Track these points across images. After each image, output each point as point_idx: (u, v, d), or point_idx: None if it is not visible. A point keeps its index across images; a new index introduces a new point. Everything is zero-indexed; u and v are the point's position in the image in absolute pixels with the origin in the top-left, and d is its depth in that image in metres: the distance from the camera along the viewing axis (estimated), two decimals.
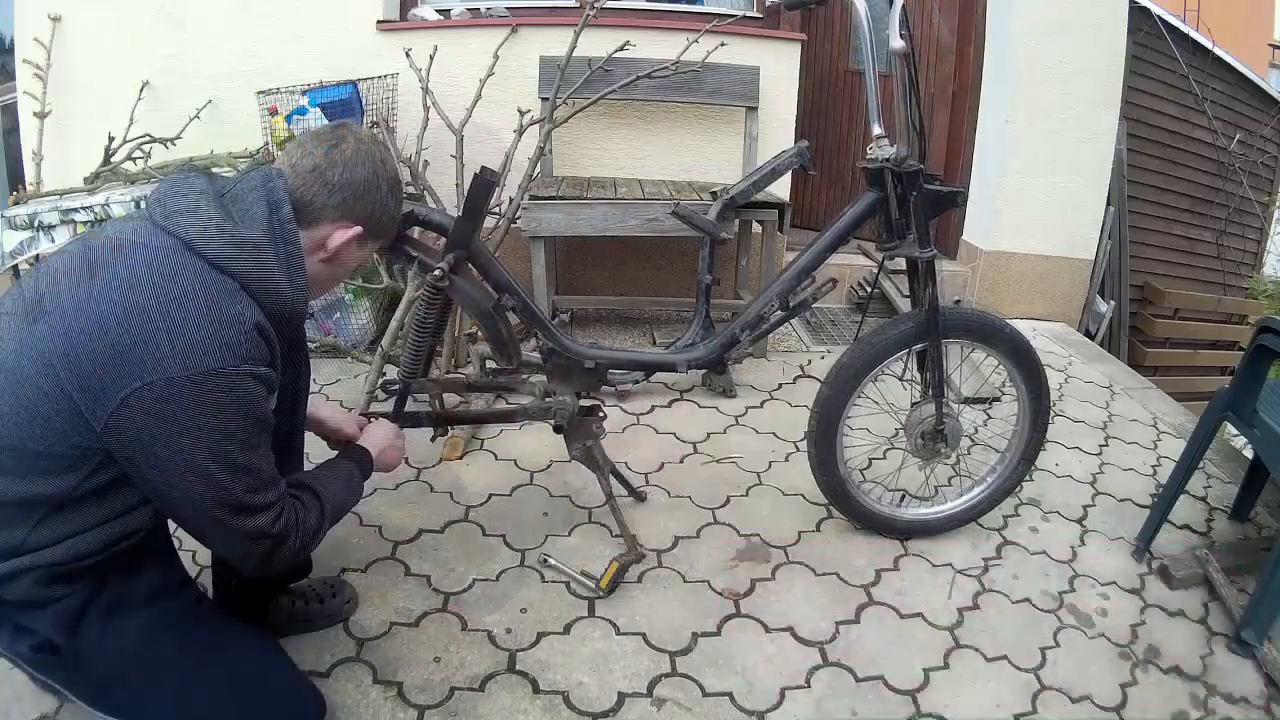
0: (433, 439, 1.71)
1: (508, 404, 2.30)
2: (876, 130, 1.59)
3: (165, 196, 1.02)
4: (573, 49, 2.58)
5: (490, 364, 1.69)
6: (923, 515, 1.93)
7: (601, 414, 1.72)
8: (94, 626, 1.05)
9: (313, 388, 1.69)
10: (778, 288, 1.71)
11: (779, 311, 1.72)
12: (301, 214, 1.06)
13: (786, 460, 2.23)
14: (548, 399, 1.70)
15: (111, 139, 2.76)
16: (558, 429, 1.71)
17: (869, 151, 1.60)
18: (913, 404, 1.82)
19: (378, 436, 1.40)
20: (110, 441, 0.95)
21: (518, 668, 1.47)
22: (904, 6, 1.49)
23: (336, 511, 1.20)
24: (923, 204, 1.60)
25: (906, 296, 1.80)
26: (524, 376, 1.72)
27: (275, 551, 1.06)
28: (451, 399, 2.27)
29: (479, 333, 1.71)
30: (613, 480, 1.81)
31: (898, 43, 1.49)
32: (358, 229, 1.09)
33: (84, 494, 0.99)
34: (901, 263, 1.70)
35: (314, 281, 1.11)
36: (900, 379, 1.78)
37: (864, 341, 1.71)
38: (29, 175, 2.83)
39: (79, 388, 0.92)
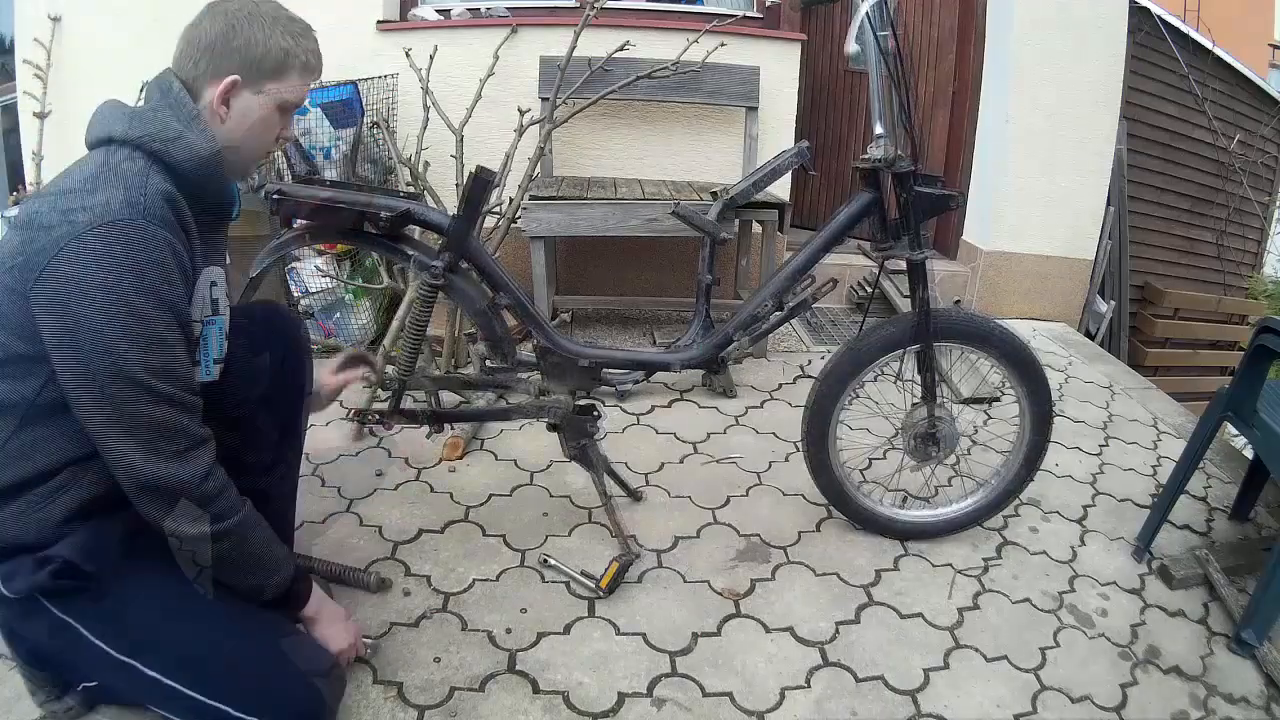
0: (428, 436, 1.72)
1: (505, 403, 2.30)
2: (878, 129, 1.59)
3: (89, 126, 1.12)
4: (573, 49, 2.58)
5: (487, 362, 1.71)
6: (923, 518, 1.92)
7: (596, 413, 1.72)
8: (116, 554, 1.10)
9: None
10: (772, 288, 1.71)
11: (777, 312, 1.72)
12: (189, 92, 1.13)
13: (786, 460, 2.23)
14: (543, 397, 1.70)
15: None
16: (553, 427, 1.71)
17: (866, 151, 1.60)
18: (913, 405, 1.82)
19: (317, 604, 1.29)
20: (40, 323, 0.99)
21: (518, 668, 1.47)
22: (888, 6, 1.50)
23: (242, 543, 1.13)
24: (916, 205, 1.60)
25: (907, 297, 1.80)
26: (520, 375, 1.72)
27: (166, 473, 1.03)
28: (452, 398, 2.27)
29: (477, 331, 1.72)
30: (608, 480, 1.81)
31: (853, 46, 1.50)
32: (232, 77, 1.13)
33: (47, 404, 1.03)
34: (902, 263, 1.70)
35: (234, 147, 1.15)
36: (898, 380, 1.78)
37: (853, 343, 1.71)
38: (29, 175, 2.83)
39: (20, 278, 0.99)
